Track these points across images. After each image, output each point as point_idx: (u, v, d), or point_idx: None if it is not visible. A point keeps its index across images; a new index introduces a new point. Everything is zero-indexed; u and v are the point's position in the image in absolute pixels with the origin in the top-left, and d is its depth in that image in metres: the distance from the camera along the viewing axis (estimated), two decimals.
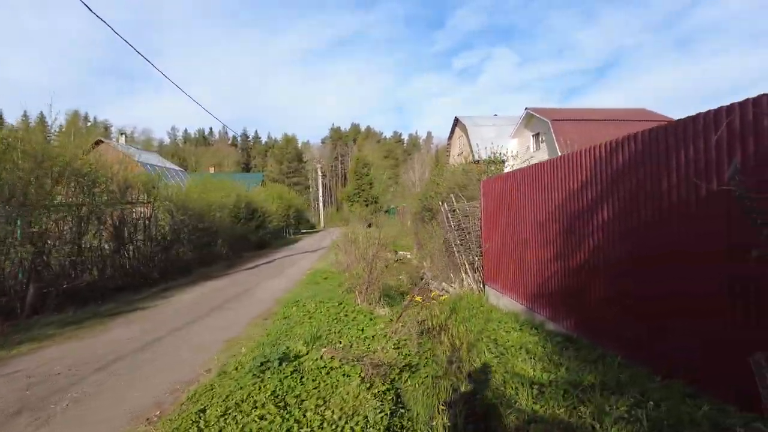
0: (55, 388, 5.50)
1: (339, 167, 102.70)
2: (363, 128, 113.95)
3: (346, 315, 8.39)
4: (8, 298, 9.88)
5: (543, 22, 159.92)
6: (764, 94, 3.71)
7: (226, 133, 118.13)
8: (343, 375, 5.28)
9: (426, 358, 7.40)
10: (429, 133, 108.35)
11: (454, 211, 13.56)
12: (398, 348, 7.05)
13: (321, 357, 5.58)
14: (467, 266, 13.01)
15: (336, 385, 4.93)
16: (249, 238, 25.76)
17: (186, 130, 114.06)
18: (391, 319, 7.85)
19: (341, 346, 6.13)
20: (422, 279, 16.09)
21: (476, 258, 12.62)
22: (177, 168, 47.40)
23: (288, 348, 5.99)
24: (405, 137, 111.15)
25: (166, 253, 16.81)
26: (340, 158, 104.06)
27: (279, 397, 4.60)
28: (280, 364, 5.26)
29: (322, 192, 58.60)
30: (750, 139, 3.83)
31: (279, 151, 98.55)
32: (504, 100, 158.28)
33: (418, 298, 13.08)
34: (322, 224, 53.63)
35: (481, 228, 12.14)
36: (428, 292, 14.59)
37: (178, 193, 18.43)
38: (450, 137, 42.27)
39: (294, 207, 37.02)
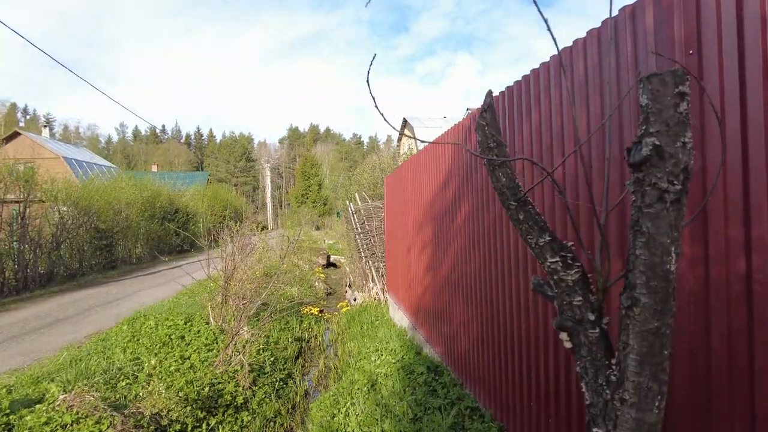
0: None
1: (296, 168, 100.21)
2: (322, 129, 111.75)
3: (182, 337, 6.77)
4: None
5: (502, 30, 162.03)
6: None
7: (179, 131, 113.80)
8: None
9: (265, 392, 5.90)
10: (389, 137, 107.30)
11: (358, 211, 12.12)
12: (219, 383, 5.50)
13: (54, 408, 3.94)
14: (374, 273, 11.59)
15: None
16: (168, 240, 23.61)
17: (136, 127, 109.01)
18: (229, 343, 6.27)
19: (105, 387, 4.50)
20: (350, 286, 14.66)
21: (382, 264, 11.25)
22: (108, 164, 44.19)
23: (22, 393, 4.33)
24: (365, 140, 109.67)
25: (47, 256, 14.71)
26: (297, 159, 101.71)
27: None
28: None
29: (271, 192, 56.27)
30: None
31: (226, 149, 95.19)
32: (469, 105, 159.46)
33: (314, 310, 11.63)
34: (270, 226, 51.40)
35: (384, 231, 10.78)
36: (344, 302, 13.18)
37: (69, 189, 16.27)
38: (399, 138, 41.11)
39: (233, 207, 34.83)
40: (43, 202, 15.13)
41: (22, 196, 14.01)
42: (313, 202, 55.94)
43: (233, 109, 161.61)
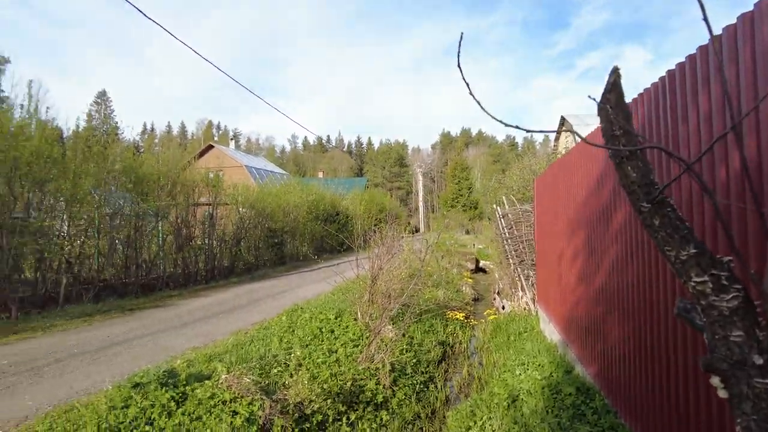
0: None
1: (447, 172, 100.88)
2: (474, 133, 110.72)
3: (331, 331, 7.19)
4: (47, 290, 10.30)
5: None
6: None
7: (342, 140, 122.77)
8: (231, 413, 4.12)
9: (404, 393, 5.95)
10: (546, 137, 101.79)
11: (506, 216, 11.60)
12: (361, 379, 5.69)
13: (218, 385, 4.46)
14: (523, 281, 10.99)
15: (201, 428, 3.79)
16: (329, 240, 25.57)
17: (305, 138, 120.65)
18: (367, 342, 6.47)
19: (259, 372, 4.94)
20: (498, 293, 14.27)
21: (532, 272, 10.60)
22: (281, 171, 49.60)
23: (197, 369, 4.97)
24: (519, 141, 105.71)
25: (229, 251, 17.01)
26: (449, 163, 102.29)
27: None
28: (159, 388, 4.25)
29: (423, 196, 57.38)
30: None
31: (382, 156, 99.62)
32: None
33: (459, 315, 11.43)
34: (422, 229, 52.53)
35: (533, 236, 10.14)
36: (492, 309, 12.81)
37: (247, 193, 18.61)
38: (556, 138, 38.66)
39: (386, 210, 36.42)
40: (227, 204, 17.50)
41: (211, 200, 16.39)
42: (463, 206, 55.61)
43: (389, 117, 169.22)
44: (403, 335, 7.91)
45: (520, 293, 11.25)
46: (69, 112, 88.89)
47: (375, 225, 11.01)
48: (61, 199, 10.75)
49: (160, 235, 13.99)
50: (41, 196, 10.44)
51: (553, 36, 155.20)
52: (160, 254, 13.85)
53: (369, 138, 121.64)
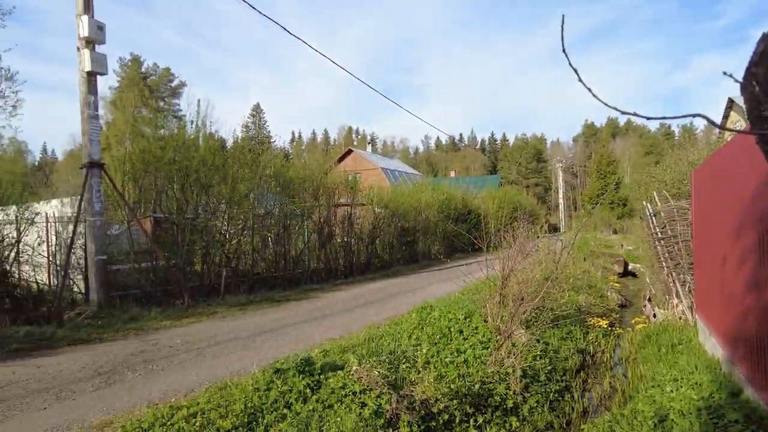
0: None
1: (590, 167, 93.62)
2: (622, 122, 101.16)
3: (460, 331, 7.13)
4: (211, 281, 11.83)
5: None
6: None
7: (474, 138, 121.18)
8: (360, 404, 4.32)
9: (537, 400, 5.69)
10: (706, 125, 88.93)
11: (658, 213, 10.35)
12: (490, 382, 5.57)
13: (349, 376, 4.69)
14: (678, 287, 9.73)
15: (332, 417, 4.03)
16: (460, 239, 25.43)
17: (438, 138, 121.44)
18: (497, 346, 6.28)
19: (388, 366, 5.07)
20: (649, 300, 12.96)
21: (689, 277, 9.32)
22: (414, 172, 50.62)
23: (332, 359, 5.28)
24: (675, 129, 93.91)
25: (366, 249, 17.86)
26: (593, 156, 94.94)
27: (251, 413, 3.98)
28: (297, 375, 4.61)
29: (564, 193, 53.95)
30: None
31: (517, 152, 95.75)
32: None
33: (603, 323, 10.50)
34: (563, 228, 49.44)
35: (691, 236, 8.89)
36: (641, 317, 11.61)
37: (381, 193, 19.35)
38: (723, 124, 33.59)
39: (521, 209, 35.08)
40: (363, 204, 18.37)
41: (350, 201, 17.36)
42: (610, 203, 51.13)
43: (525, 111, 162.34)
44: (537, 340, 7.53)
45: (675, 300, 10.00)
46: (230, 125, 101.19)
47: (509, 224, 10.66)
48: (223, 201, 12.24)
49: (305, 234, 15.19)
50: (206, 199, 11.99)
51: (716, 6, 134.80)
52: (305, 251, 15.04)
53: (503, 134, 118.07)
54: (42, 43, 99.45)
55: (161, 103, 54.97)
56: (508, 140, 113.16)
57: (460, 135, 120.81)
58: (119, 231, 11.54)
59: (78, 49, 9.19)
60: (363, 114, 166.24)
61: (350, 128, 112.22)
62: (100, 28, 9.28)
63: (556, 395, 6.26)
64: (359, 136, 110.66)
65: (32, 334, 7.22)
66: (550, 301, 8.77)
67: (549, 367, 6.79)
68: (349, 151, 44.75)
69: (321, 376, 4.71)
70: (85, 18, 9.06)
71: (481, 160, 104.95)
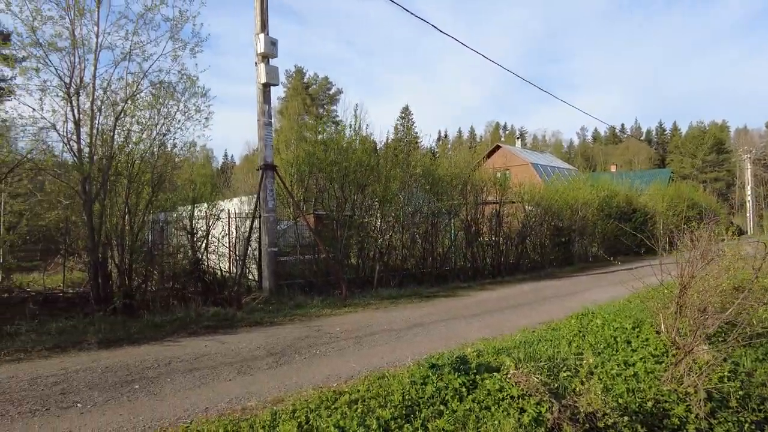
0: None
1: None
2: None
3: (628, 342, 6.45)
4: (365, 274, 12.48)
5: None
6: None
7: (638, 128, 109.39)
8: (518, 410, 4.13)
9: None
10: None
11: None
12: (665, 401, 4.94)
13: (506, 379, 4.51)
14: None
15: (489, 419, 3.91)
16: (623, 240, 23.05)
17: (596, 129, 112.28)
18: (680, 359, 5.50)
19: (547, 373, 4.75)
20: None
21: None
22: (568, 167, 47.33)
23: (485, 359, 5.14)
24: None
25: (515, 249, 17.23)
26: None
27: (408, 408, 4.04)
28: (452, 372, 4.58)
29: (752, 189, 45.65)
30: None
31: (691, 142, 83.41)
32: None
33: None
34: (749, 230, 41.92)
35: None
36: None
37: (533, 190, 18.45)
38: None
39: (698, 207, 30.56)
40: (513, 202, 17.71)
41: (498, 198, 16.88)
42: None
43: (701, 96, 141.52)
44: (724, 359, 6.46)
45: None
46: (381, 127, 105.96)
47: (684, 224, 9.32)
48: (376, 199, 12.80)
49: (452, 231, 15.18)
50: (362, 197, 12.65)
51: None
52: (452, 249, 15.03)
53: (674, 122, 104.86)
54: (219, 63, 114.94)
55: (320, 110, 59.76)
56: (679, 129, 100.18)
57: (622, 125, 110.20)
58: (286, 226, 12.81)
59: (255, 63, 10.40)
60: (510, 109, 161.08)
61: (497, 124, 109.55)
62: (273, 43, 10.36)
63: (752, 427, 5.29)
64: (506, 132, 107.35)
65: (218, 314, 8.35)
66: (744, 316, 7.46)
67: (741, 392, 5.77)
68: (497, 147, 43.69)
69: (476, 376, 4.61)
70: (261, 36, 10.20)
71: (646, 152, 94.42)
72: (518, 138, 50.82)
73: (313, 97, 59.85)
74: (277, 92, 59.39)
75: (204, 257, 12.16)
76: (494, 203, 16.99)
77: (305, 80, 60.46)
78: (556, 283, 14.39)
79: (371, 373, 5.33)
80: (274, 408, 4.19)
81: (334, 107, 60.80)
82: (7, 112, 10.40)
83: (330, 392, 4.45)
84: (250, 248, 12.05)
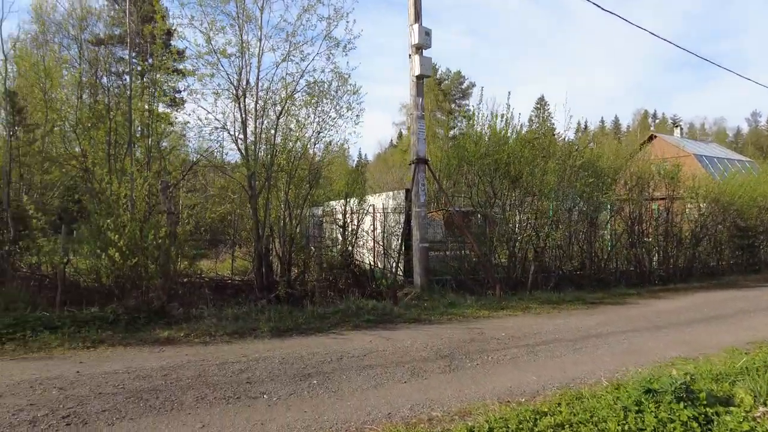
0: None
1: None
2: None
3: None
4: (517, 274, 11.72)
5: None
6: None
7: None
8: None
9: None
10: None
11: None
12: None
13: (752, 417, 3.59)
14: None
15: None
16: None
17: None
18: None
19: None
20: None
21: None
22: (741, 158, 40.67)
23: (704, 385, 4.20)
24: None
25: (685, 252, 15.04)
26: None
27: None
28: (676, 401, 3.78)
29: None
30: None
31: None
32: None
33: None
34: None
35: None
36: None
37: (708, 185, 15.90)
38: None
39: None
40: (681, 199, 15.44)
41: (666, 194, 14.83)
42: None
43: None
44: None
45: None
46: (518, 119, 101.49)
47: None
48: (529, 194, 11.92)
49: (613, 231, 13.67)
50: (514, 192, 11.87)
51: None
52: (613, 250, 13.53)
53: None
54: (349, 63, 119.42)
55: (453, 105, 59.14)
56: None
57: None
58: (433, 221, 12.54)
59: (409, 56, 10.22)
60: (658, 97, 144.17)
61: (645, 112, 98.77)
62: (428, 33, 10.09)
63: None
64: (657, 121, 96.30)
65: (376, 308, 8.28)
66: None
67: None
68: (652, 137, 39.14)
69: (707, 409, 3.76)
70: (415, 26, 9.99)
71: None
72: (676, 126, 44.92)
73: (445, 92, 59.42)
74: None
75: (353, 250, 12.42)
76: (661, 199, 14.98)
77: (437, 76, 60.21)
78: (745, 293, 12.19)
79: (562, 390, 4.70)
80: (468, 423, 3.80)
81: (466, 102, 59.71)
82: (189, 114, 11.60)
83: (527, 411, 3.93)
84: (395, 242, 12.03)
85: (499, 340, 6.82)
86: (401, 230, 12.52)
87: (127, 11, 11.51)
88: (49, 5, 15.60)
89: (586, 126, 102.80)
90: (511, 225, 11.73)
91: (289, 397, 4.56)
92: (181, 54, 13.30)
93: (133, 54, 15.12)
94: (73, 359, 5.41)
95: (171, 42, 14.71)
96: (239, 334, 6.76)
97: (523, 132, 13.05)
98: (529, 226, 11.75)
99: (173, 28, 12.47)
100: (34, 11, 16.06)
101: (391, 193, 13.75)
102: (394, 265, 10.74)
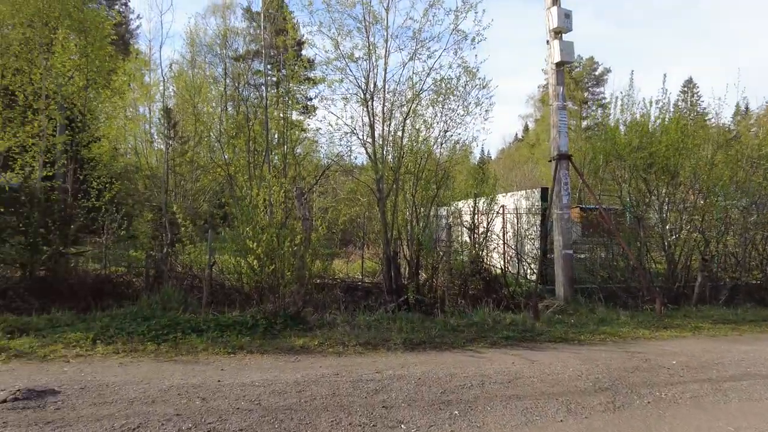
0: None
1: None
2: None
3: None
4: (679, 285, 10.09)
5: None
6: None
7: None
8: None
9: None
10: None
11: None
12: None
13: None
14: None
15: None
16: None
17: None
18: None
19: None
20: None
21: None
22: None
23: None
24: None
25: None
26: None
27: None
28: None
29: None
30: None
31: None
32: None
33: None
34: None
35: None
36: None
37: None
38: None
39: None
40: None
41: None
42: None
43: None
44: None
45: None
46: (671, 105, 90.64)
47: None
48: (691, 190, 10.21)
49: None
50: (672, 188, 10.23)
51: None
52: None
53: None
54: (469, 57, 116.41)
55: (585, 94, 54.75)
56: None
57: None
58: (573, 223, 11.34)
59: (547, 42, 9.24)
60: None
61: None
62: (567, 16, 9.03)
63: None
64: None
65: (516, 323, 7.54)
66: None
67: None
68: None
69: None
70: (554, 9, 8.99)
71: None
72: None
73: (576, 80, 55.13)
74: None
75: (484, 254, 11.73)
76: None
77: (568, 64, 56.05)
78: None
79: None
80: None
81: (600, 89, 54.83)
82: (320, 120, 11.84)
83: None
84: (528, 246, 11.11)
85: (670, 371, 5.71)
86: (537, 233, 11.58)
87: (262, 25, 12.13)
88: (201, 29, 17.19)
89: (747, 108, 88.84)
90: (669, 227, 10.12)
91: (429, 429, 4.13)
92: (311, 63, 13.71)
93: (268, 66, 16.01)
94: (215, 365, 5.57)
95: (302, 52, 15.23)
96: (372, 345, 6.53)
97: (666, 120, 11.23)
98: (692, 229, 10.04)
99: (303, 38, 12.83)
100: (188, 36, 17.86)
101: (523, 192, 12.83)
102: (528, 271, 9.84)
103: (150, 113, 15.91)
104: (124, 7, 37.62)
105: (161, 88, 12.06)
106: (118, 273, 9.30)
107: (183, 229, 8.07)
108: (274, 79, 14.56)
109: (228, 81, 14.30)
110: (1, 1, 10.26)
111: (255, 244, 6.72)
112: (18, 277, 8.60)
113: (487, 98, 11.27)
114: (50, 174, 10.86)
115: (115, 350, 5.73)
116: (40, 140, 10.33)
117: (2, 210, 9.13)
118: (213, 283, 9.16)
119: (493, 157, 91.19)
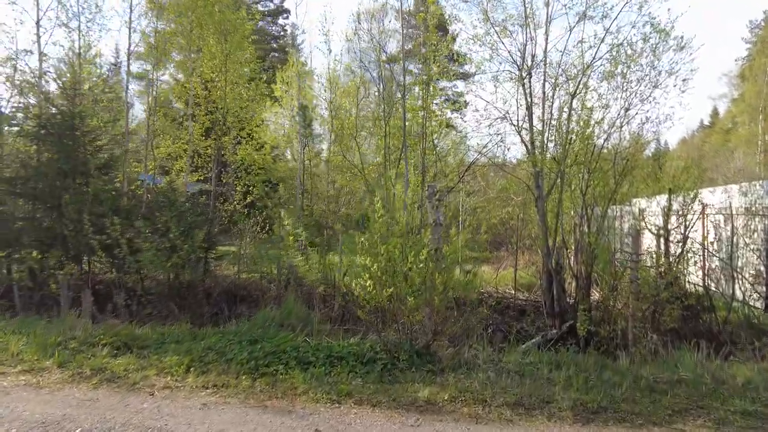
0: None
1: None
2: None
3: None
4: None
5: None
6: None
7: None
8: None
9: None
10: None
11: None
12: None
13: None
14: None
15: None
16: None
17: None
18: None
19: None
20: None
21: None
22: None
23: None
24: None
25: None
26: None
27: None
28: None
29: None
30: None
31: None
32: None
33: None
34: None
35: None
36: None
37: None
38: None
39: None
40: None
41: None
42: None
43: None
44: None
45: None
46: None
47: None
48: None
49: None
50: None
51: None
52: None
53: None
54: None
55: None
56: None
57: None
58: None
59: None
60: None
61: None
62: None
63: None
64: None
65: (752, 384, 5.01)
66: None
67: None
68: None
69: None
70: None
71: None
72: None
73: None
74: (737, 51, 46.66)
75: (682, 269, 8.98)
76: None
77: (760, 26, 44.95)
78: None
79: None
80: None
81: None
82: (472, 112, 10.28)
83: None
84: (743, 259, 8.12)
85: None
86: (765, 241, 8.61)
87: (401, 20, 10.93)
88: (357, 38, 16.79)
89: None
90: None
91: None
92: (456, 57, 12.08)
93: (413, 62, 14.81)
94: (310, 419, 4.31)
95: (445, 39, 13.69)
96: (525, 408, 4.66)
97: None
98: None
99: (447, 19, 11.28)
100: (345, 40, 17.64)
101: (735, 187, 9.73)
102: (747, 293, 6.98)
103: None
104: (286, 20, 40.07)
105: (298, 86, 11.60)
106: (251, 279, 8.89)
107: (291, 237, 7.17)
108: (420, 74, 13.35)
109: (381, 84, 13.39)
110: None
111: (370, 259, 5.39)
112: (158, 281, 8.65)
113: (686, 63, 8.57)
114: (200, 177, 11.13)
115: (204, 383, 4.88)
116: (188, 144, 10.50)
117: (157, 214, 9.28)
118: (347, 290, 8.22)
119: (670, 149, 78.46)
